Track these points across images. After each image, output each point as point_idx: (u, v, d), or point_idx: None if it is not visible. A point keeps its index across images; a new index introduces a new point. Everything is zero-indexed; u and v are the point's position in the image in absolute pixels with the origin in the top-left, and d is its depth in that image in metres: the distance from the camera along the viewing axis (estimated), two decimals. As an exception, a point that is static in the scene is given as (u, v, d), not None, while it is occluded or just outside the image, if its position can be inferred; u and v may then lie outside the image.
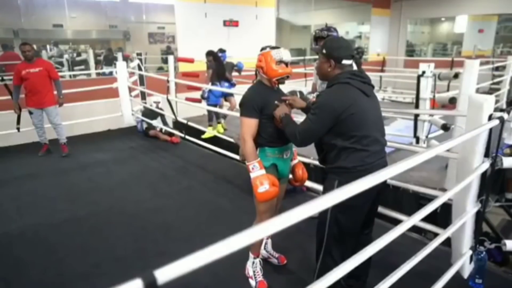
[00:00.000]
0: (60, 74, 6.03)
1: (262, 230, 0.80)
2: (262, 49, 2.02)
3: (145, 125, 5.90)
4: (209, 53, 5.53)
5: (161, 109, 5.67)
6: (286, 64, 1.98)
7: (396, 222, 2.74)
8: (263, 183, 1.85)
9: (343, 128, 1.67)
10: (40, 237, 2.87)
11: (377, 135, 1.72)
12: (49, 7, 9.49)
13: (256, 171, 1.89)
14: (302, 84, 7.48)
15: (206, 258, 0.70)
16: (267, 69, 1.96)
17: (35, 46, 9.34)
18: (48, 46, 9.69)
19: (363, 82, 1.73)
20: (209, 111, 5.56)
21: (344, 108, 1.63)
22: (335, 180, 1.73)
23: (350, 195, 0.99)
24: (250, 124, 1.96)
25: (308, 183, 3.26)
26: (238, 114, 2.12)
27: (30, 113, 4.66)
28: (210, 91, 5.40)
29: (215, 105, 5.44)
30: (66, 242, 2.79)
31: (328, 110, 1.66)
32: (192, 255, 0.68)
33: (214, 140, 4.75)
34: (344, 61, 1.75)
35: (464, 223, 1.84)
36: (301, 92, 2.63)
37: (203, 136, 5.12)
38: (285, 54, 1.96)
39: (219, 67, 5.44)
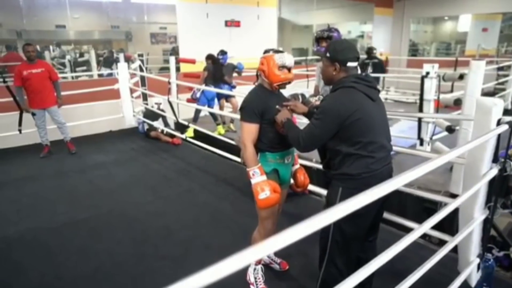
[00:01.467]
0: (62, 75, 6.04)
1: (264, 249, 0.75)
2: (265, 51, 1.98)
3: (146, 126, 5.87)
4: (209, 57, 5.51)
5: (162, 110, 5.63)
6: (289, 69, 1.94)
7: (401, 226, 2.70)
8: (264, 189, 1.82)
9: (348, 133, 1.61)
10: (39, 240, 2.84)
11: (383, 141, 1.67)
12: (51, 8, 9.50)
13: (257, 177, 1.85)
14: (304, 85, 7.43)
15: (204, 281, 0.64)
16: (268, 73, 1.92)
17: (38, 47, 9.38)
18: (51, 47, 9.70)
19: (368, 86, 1.68)
20: (196, 112, 5.51)
21: (350, 113, 1.58)
22: (339, 187, 1.69)
23: (355, 208, 0.94)
24: (251, 129, 1.92)
25: (310, 186, 3.20)
26: (239, 116, 2.09)
27: (33, 114, 4.67)
28: (202, 92, 5.37)
29: (200, 109, 5.41)
30: (66, 246, 2.77)
31: (333, 115, 1.61)
32: (188, 279, 0.63)
33: (215, 141, 4.70)
34: (349, 64, 1.69)
35: (471, 230, 1.79)
36: (303, 95, 2.58)
37: (185, 135, 5.19)
38: (288, 59, 1.92)
39: (216, 70, 5.40)
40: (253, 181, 1.86)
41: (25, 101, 4.66)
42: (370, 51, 7.13)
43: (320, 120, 1.65)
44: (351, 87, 1.64)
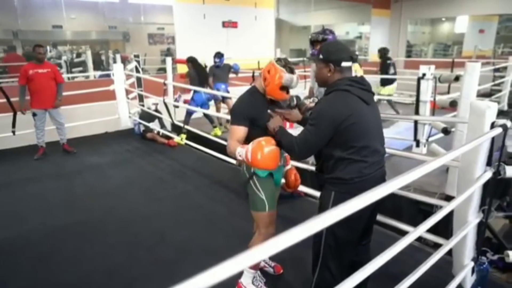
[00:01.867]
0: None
1: (258, 254, 0.74)
2: (279, 59, 1.91)
3: (142, 128, 5.84)
4: (189, 60, 5.36)
5: (159, 111, 5.60)
6: (288, 90, 1.93)
7: (396, 228, 2.69)
8: (260, 148, 1.70)
9: (342, 138, 1.59)
10: (31, 244, 2.81)
11: (376, 145, 1.66)
12: (47, 8, 9.44)
13: (244, 151, 1.77)
14: (302, 86, 7.41)
15: (199, 285, 0.63)
16: (269, 84, 1.87)
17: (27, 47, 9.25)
18: (48, 47, 9.63)
19: (363, 89, 1.65)
20: (186, 115, 5.41)
21: (344, 118, 1.55)
22: (332, 191, 1.67)
23: (348, 213, 0.93)
24: (237, 131, 1.91)
25: (305, 189, 3.19)
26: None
27: (34, 114, 4.67)
28: (192, 98, 5.31)
29: (191, 114, 5.36)
30: (59, 250, 2.73)
31: (327, 120, 1.58)
32: (184, 283, 0.62)
33: (211, 143, 4.67)
34: (344, 64, 1.65)
35: (466, 234, 1.78)
36: (297, 97, 2.56)
37: (180, 138, 5.17)
38: (295, 84, 1.88)
39: (199, 73, 5.29)
40: (243, 156, 1.77)
41: (27, 101, 4.65)
42: (387, 51, 6.80)
43: (314, 126, 1.62)
44: (346, 91, 1.61)
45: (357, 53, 7.14)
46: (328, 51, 1.70)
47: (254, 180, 1.95)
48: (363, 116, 1.60)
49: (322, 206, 1.73)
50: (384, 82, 6.48)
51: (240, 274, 2.16)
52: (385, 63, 6.69)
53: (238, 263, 0.68)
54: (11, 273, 2.45)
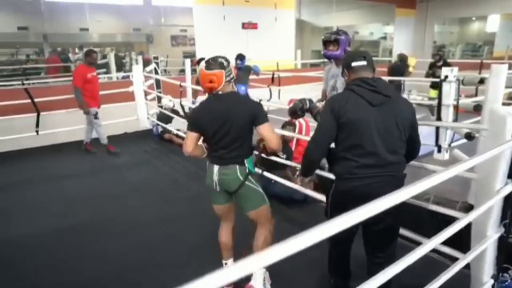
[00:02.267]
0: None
1: (272, 255, 0.73)
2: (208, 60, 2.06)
3: (160, 129, 5.90)
4: (199, 61, 5.35)
5: (176, 111, 5.63)
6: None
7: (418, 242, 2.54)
8: None
9: (338, 133, 1.67)
10: (44, 245, 2.82)
11: (375, 149, 1.62)
12: (73, 12, 9.78)
13: None
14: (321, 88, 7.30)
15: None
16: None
17: (59, 49, 9.61)
18: (76, 49, 10.00)
19: (371, 91, 1.63)
20: None
21: (342, 112, 1.61)
22: (333, 184, 1.78)
23: (341, 228, 0.87)
24: None
25: (318, 195, 3.10)
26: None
27: (96, 113, 4.91)
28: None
29: None
30: (69, 249, 2.75)
31: (327, 113, 1.67)
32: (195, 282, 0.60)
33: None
34: (354, 63, 1.71)
35: (484, 249, 1.65)
36: (310, 100, 2.50)
37: None
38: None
39: None
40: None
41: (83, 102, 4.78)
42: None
43: (318, 123, 1.75)
44: (350, 90, 1.67)
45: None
46: (344, 60, 1.83)
47: (250, 178, 2.09)
48: (361, 117, 1.62)
49: (327, 197, 1.85)
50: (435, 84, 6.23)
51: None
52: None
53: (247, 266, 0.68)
54: (5, 277, 2.45)
